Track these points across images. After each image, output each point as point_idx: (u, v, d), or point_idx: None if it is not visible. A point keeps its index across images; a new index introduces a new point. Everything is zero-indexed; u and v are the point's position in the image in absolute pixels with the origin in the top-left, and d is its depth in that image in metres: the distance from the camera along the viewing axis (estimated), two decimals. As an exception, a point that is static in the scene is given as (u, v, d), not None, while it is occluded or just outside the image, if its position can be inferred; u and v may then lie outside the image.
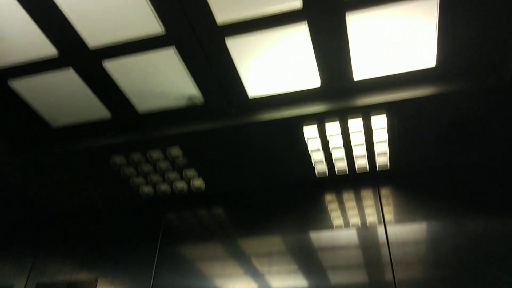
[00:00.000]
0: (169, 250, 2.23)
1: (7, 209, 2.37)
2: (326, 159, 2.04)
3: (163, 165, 2.12)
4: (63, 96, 1.87)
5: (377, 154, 1.99)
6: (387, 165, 2.03)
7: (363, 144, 1.94)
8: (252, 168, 2.13)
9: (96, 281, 2.23)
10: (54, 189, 2.35)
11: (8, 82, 1.79)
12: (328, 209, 2.14)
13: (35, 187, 2.33)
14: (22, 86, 1.82)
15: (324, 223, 2.09)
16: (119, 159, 2.09)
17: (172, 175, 2.18)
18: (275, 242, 2.11)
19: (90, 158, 2.10)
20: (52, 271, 2.35)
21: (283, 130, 1.89)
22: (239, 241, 2.17)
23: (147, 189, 2.27)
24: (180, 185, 2.23)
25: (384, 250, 1.91)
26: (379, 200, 2.09)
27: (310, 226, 2.10)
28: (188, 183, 2.23)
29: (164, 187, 2.25)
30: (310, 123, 1.84)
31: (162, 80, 1.79)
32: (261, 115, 1.86)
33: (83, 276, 2.28)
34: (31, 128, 2.03)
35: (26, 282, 2.35)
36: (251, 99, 1.84)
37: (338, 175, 2.13)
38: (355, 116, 1.80)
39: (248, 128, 1.89)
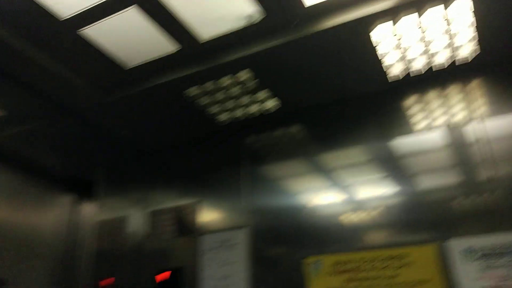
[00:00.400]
0: (254, 172, 2.33)
1: (115, 150, 2.57)
2: (399, 60, 1.92)
3: (236, 90, 2.13)
4: (131, 37, 1.88)
5: (457, 46, 1.82)
6: (469, 57, 1.86)
7: (441, 36, 1.78)
8: (323, 80, 2.08)
9: (198, 204, 2.43)
10: (147, 128, 2.51)
11: (78, 31, 1.84)
12: (410, 113, 2.05)
13: (131, 126, 2.51)
14: (91, 33, 1.86)
15: (406, 127, 2.03)
16: (192, 91, 2.13)
17: (246, 99, 2.20)
18: (358, 152, 2.10)
19: (165, 93, 2.16)
20: (160, 200, 2.59)
21: (350, 34, 1.78)
22: (321, 155, 2.19)
23: (223, 116, 2.33)
24: (255, 108, 2.25)
25: (475, 148, 1.82)
26: (464, 95, 1.95)
27: (392, 132, 2.05)
28: (263, 105, 2.24)
29: (239, 112, 2.29)
30: (383, 20, 1.70)
31: (221, 2, 1.73)
32: (324, 23, 1.75)
33: (186, 201, 2.49)
34: (106, 73, 2.11)
35: (141, 211, 2.61)
36: (308, 7, 1.73)
37: (414, 76, 2.01)
38: (434, 3, 1.63)
39: (313, 38, 1.81)
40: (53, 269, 2.22)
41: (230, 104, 2.24)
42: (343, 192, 2.06)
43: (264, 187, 2.26)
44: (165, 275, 2.35)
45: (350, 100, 2.20)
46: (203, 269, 2.25)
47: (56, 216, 2.32)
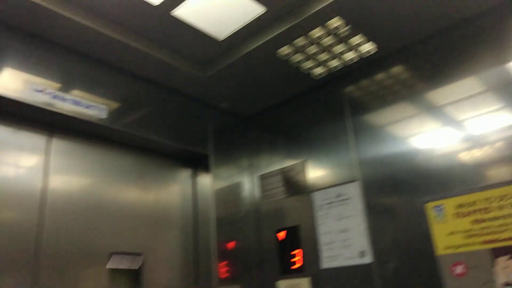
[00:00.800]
0: (360, 122, 2.26)
1: (221, 122, 2.73)
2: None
3: (328, 41, 2.07)
4: (218, 8, 1.93)
5: None
6: None
7: None
8: (422, 10, 1.90)
9: (305, 162, 2.46)
10: (246, 94, 2.59)
11: (171, 13, 1.93)
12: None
13: (231, 96, 2.62)
14: (182, 13, 1.94)
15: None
16: (284, 50, 2.12)
17: (340, 48, 2.12)
18: (471, 84, 1.91)
19: (258, 57, 2.19)
20: (266, 164, 2.68)
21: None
22: (429, 93, 2.04)
23: (319, 70, 2.29)
24: (350, 55, 2.17)
25: None
26: None
27: (509, 54, 1.82)
28: (358, 52, 2.15)
29: (335, 62, 2.23)
30: None
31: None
32: None
33: (292, 162, 2.54)
34: (202, 48, 2.20)
35: (249, 176, 2.74)
36: None
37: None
38: None
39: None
40: (182, 238, 2.44)
41: (324, 56, 2.18)
42: (459, 129, 1.90)
43: (372, 136, 2.19)
44: (283, 234, 2.44)
45: (456, 25, 1.99)
46: (319, 225, 2.28)
47: (178, 190, 2.53)
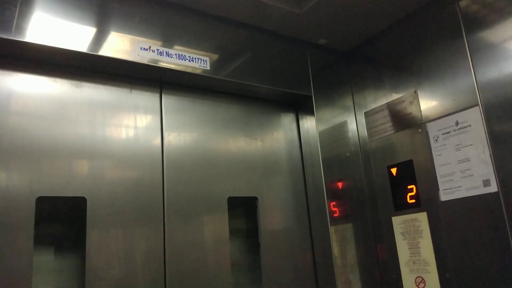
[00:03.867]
0: (476, 40, 2.03)
1: (321, 61, 2.66)
2: None
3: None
4: None
5: None
6: None
7: None
8: None
9: (416, 92, 2.30)
10: (342, 28, 2.48)
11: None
12: None
13: (327, 31, 2.52)
14: None
15: None
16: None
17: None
18: None
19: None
20: (372, 100, 2.58)
21: None
22: None
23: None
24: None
25: None
26: None
27: None
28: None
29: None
30: None
31: None
32: None
33: (400, 94, 2.40)
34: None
35: (355, 115, 2.67)
36: None
37: None
38: None
39: None
40: (291, 180, 2.48)
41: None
42: None
43: (490, 55, 1.96)
44: (395, 170, 2.36)
45: None
46: (436, 156, 2.15)
47: (284, 135, 2.55)
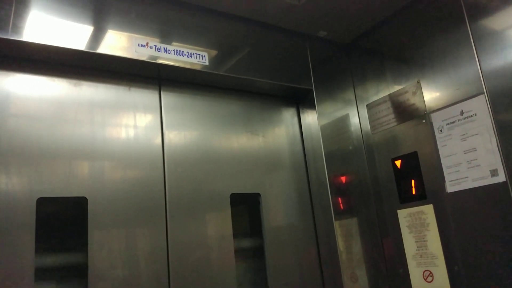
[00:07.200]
0: (479, 28, 1.99)
1: (320, 53, 2.63)
2: None
3: None
4: None
5: None
6: None
7: None
8: None
9: (418, 83, 2.27)
10: (342, 17, 2.44)
11: None
12: None
13: (325, 22, 2.48)
14: None
15: None
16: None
17: None
18: None
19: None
20: (373, 92, 2.54)
21: None
22: None
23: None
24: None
25: None
26: None
27: None
28: None
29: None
30: None
31: None
32: None
33: (402, 85, 2.36)
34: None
35: (357, 107, 2.64)
36: None
37: None
38: None
39: None
40: (294, 175, 2.46)
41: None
42: None
43: (495, 43, 1.92)
44: (399, 162, 2.33)
45: None
46: (441, 147, 2.12)
47: (285, 129, 2.52)
